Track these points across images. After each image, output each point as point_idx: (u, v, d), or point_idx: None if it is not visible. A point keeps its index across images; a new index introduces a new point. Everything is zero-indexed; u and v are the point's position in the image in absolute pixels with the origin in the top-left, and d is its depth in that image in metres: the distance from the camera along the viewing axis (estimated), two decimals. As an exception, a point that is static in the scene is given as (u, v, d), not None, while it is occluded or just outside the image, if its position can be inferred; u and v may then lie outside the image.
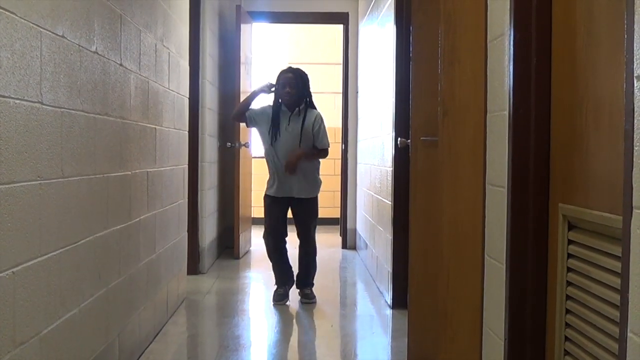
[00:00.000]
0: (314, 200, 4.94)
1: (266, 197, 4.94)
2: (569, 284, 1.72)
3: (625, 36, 1.18)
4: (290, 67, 4.94)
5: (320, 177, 4.99)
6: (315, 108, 4.90)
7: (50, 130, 2.29)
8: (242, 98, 6.58)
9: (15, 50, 2.00)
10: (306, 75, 4.88)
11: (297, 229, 4.99)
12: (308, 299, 4.94)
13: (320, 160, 4.99)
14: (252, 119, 4.93)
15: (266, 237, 4.96)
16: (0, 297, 1.93)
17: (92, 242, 2.75)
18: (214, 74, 6.62)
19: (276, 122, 4.78)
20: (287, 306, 4.83)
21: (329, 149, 4.92)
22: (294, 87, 4.75)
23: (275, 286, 4.98)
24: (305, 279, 5.01)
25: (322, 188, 5.00)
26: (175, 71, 4.42)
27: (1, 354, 1.94)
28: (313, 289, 5.02)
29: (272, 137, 4.79)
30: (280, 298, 4.89)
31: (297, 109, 4.80)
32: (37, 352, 2.20)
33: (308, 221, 4.95)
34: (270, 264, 5.04)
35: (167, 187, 4.19)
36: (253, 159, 7.72)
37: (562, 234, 1.76)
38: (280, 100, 4.82)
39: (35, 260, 2.17)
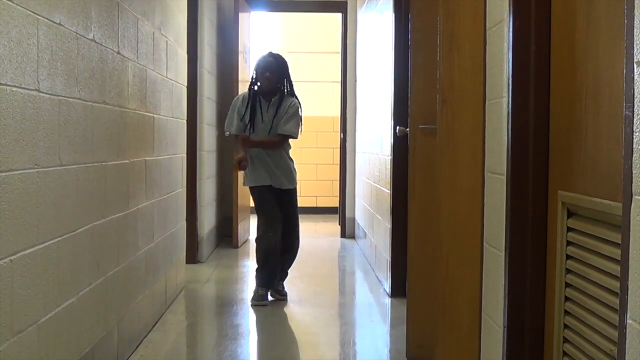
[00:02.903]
0: (295, 192, 4.77)
1: (252, 189, 4.69)
2: (568, 271, 1.72)
3: (625, 21, 1.18)
4: (270, 52, 4.77)
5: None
6: (294, 96, 4.69)
7: (47, 118, 2.28)
8: (240, 87, 6.57)
9: (11, 38, 1.99)
10: (286, 61, 4.71)
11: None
12: (281, 295, 4.67)
13: (291, 146, 4.72)
14: (240, 114, 4.66)
15: (262, 229, 4.62)
16: (-2, 285, 1.92)
17: (90, 231, 2.74)
18: (213, 63, 6.60)
19: (253, 113, 4.61)
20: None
21: (294, 138, 4.63)
22: (274, 72, 4.60)
23: (257, 287, 4.60)
24: (282, 272, 4.74)
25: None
26: (173, 60, 4.40)
27: (-1, 342, 1.94)
28: (285, 283, 4.76)
29: (249, 129, 4.61)
30: (260, 298, 4.54)
31: (273, 98, 4.61)
32: (35, 341, 2.20)
33: (292, 213, 4.73)
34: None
35: (166, 175, 4.18)
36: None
37: (561, 221, 1.75)
38: (258, 86, 4.64)
39: (33, 248, 2.17)
